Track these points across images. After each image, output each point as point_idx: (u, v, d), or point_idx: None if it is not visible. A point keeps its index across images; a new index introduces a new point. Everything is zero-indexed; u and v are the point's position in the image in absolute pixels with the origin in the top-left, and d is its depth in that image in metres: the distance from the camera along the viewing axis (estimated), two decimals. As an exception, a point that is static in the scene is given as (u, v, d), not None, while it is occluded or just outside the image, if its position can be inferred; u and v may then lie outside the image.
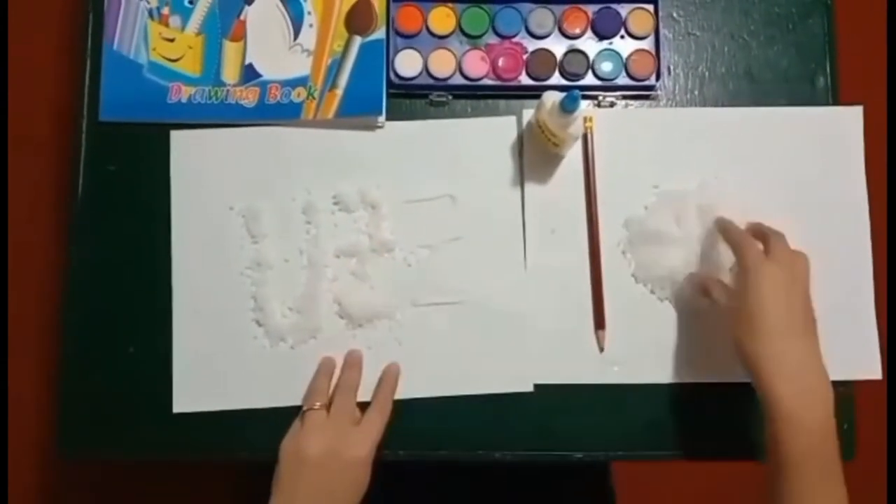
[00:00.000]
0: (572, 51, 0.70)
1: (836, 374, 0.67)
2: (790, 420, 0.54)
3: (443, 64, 0.69)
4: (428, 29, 0.70)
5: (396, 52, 0.69)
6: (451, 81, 0.69)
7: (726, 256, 0.66)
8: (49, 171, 1.30)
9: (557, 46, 0.70)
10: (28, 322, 1.26)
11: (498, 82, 0.70)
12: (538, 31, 0.70)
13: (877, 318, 0.69)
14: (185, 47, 0.70)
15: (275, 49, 0.70)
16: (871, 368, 0.68)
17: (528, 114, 0.69)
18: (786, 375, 0.55)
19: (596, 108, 0.70)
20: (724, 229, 0.64)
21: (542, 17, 0.70)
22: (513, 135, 0.70)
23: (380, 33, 0.70)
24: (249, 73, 0.70)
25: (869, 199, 0.69)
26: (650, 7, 0.70)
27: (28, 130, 1.30)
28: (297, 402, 0.65)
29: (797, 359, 0.56)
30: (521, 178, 0.69)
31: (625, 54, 0.70)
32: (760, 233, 0.63)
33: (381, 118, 0.69)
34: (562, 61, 0.69)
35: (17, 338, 1.21)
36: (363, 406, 0.65)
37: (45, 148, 1.30)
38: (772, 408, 0.55)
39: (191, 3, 0.71)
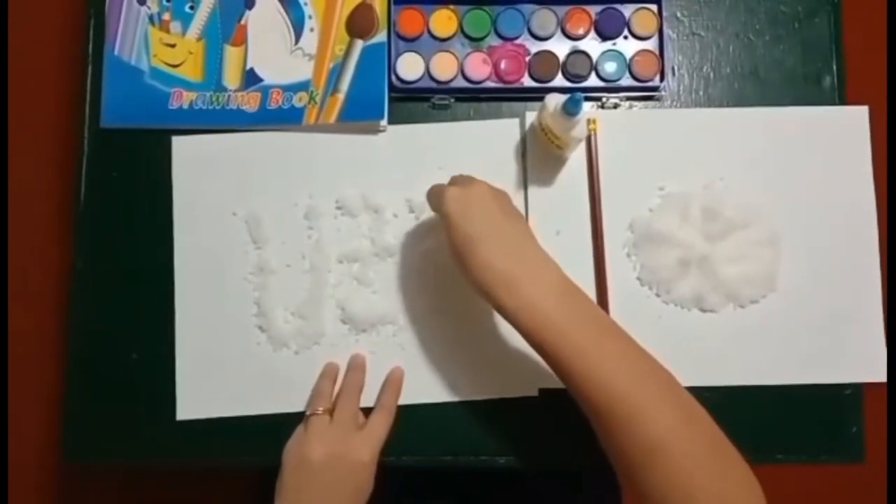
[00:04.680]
0: (575, 52, 0.69)
1: (843, 377, 0.67)
2: (537, 320, 0.52)
3: (445, 67, 0.69)
4: (429, 32, 0.69)
5: (398, 55, 0.69)
6: (453, 84, 0.69)
7: (729, 258, 0.66)
8: (51, 177, 1.30)
9: (560, 48, 0.69)
10: (31, 328, 1.26)
11: (500, 85, 0.69)
12: (541, 33, 0.69)
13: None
14: (186, 53, 0.70)
15: (276, 54, 0.70)
16: (878, 371, 0.67)
17: (530, 116, 0.68)
18: (508, 288, 0.53)
19: (599, 109, 0.70)
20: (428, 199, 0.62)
21: (544, 19, 0.69)
22: (516, 137, 0.69)
23: (381, 37, 0.70)
24: (251, 78, 0.69)
25: (876, 200, 0.68)
26: (654, 7, 0.69)
27: (29, 137, 1.30)
28: (301, 408, 0.65)
29: (510, 266, 0.54)
30: (524, 181, 0.69)
31: (628, 55, 0.69)
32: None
33: (384, 122, 0.69)
34: (565, 63, 0.69)
35: (20, 344, 1.22)
36: (367, 411, 0.65)
37: (47, 155, 1.30)
38: (513, 320, 0.53)
39: (191, 8, 0.70)
